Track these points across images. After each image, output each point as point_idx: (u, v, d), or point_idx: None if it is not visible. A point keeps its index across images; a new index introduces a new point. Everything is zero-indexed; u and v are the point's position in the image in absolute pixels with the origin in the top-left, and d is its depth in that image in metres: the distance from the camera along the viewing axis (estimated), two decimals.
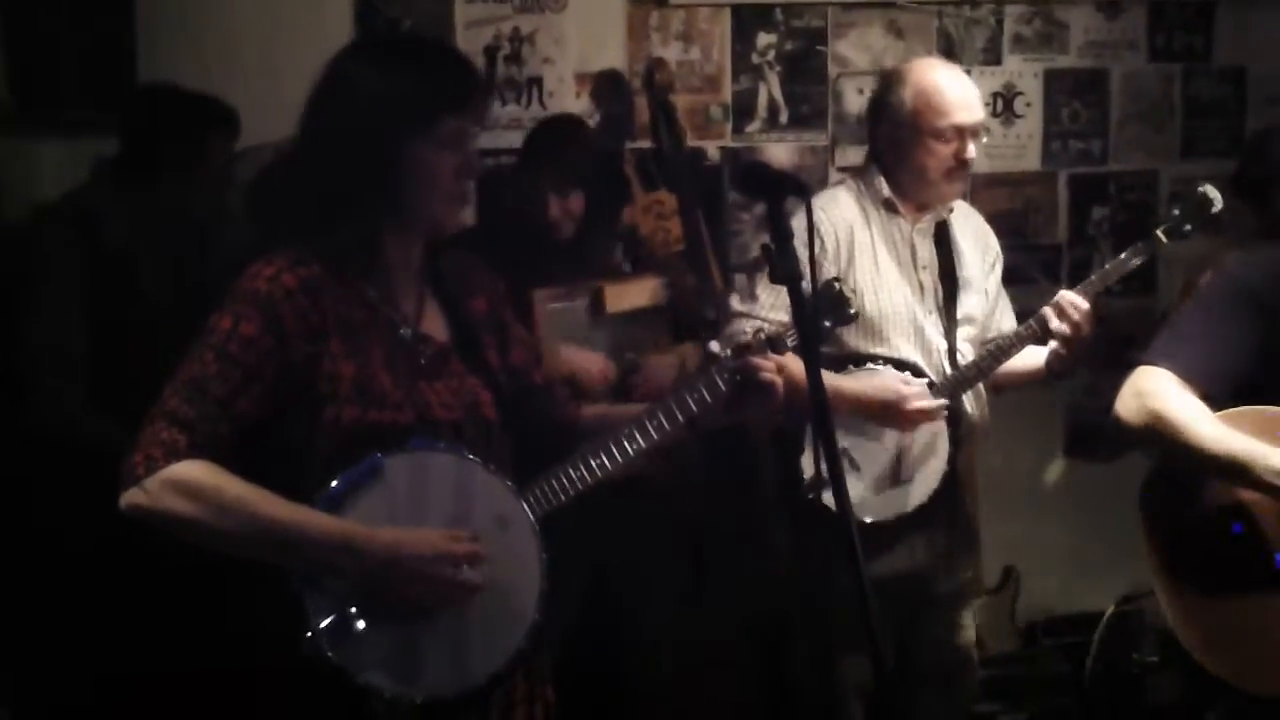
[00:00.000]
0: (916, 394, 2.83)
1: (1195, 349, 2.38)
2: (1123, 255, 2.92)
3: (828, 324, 2.14)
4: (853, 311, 2.15)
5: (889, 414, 2.83)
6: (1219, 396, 2.36)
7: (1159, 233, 2.91)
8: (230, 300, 1.91)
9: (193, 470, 1.85)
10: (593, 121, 3.66)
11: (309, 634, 1.85)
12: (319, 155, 1.94)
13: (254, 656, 1.97)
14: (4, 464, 2.95)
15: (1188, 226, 2.92)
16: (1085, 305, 2.85)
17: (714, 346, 2.11)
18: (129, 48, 3.34)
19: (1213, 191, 2.91)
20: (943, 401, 2.87)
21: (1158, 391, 2.36)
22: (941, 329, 2.95)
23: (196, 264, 3.10)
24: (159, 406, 1.88)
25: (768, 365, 2.06)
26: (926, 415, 2.84)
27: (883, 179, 2.93)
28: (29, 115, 3.28)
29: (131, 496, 1.86)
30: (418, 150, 1.91)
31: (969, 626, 3.10)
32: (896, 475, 2.90)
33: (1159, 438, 2.35)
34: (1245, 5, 4.03)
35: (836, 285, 2.15)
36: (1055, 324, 2.84)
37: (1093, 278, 2.92)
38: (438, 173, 1.93)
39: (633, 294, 3.19)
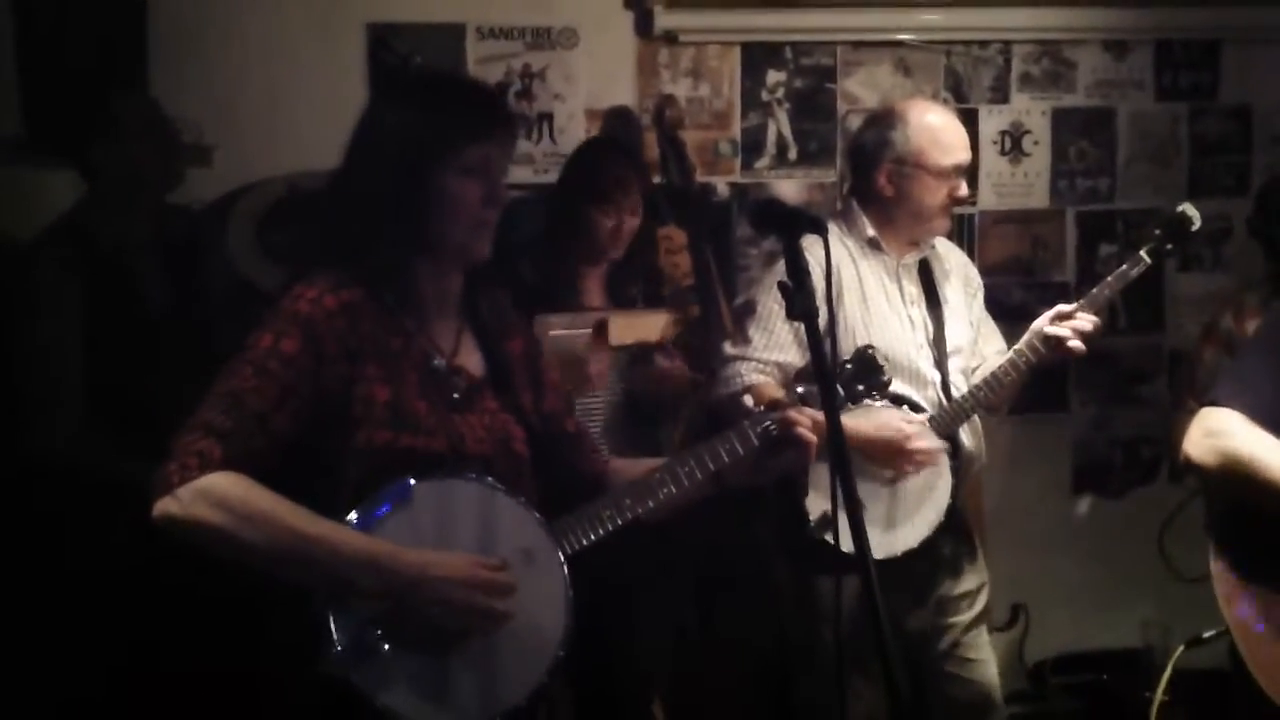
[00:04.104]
0: (919, 433, 2.83)
1: (1259, 389, 2.38)
2: (1109, 278, 2.94)
3: (860, 388, 2.16)
4: (886, 379, 2.17)
5: (891, 454, 2.83)
6: None
7: (1143, 253, 2.93)
8: (271, 319, 1.94)
9: (225, 481, 1.85)
10: None
11: (331, 653, 1.84)
12: (352, 187, 1.98)
13: (275, 675, 1.96)
14: (16, 489, 2.95)
15: (1170, 245, 2.94)
16: (1074, 307, 2.87)
17: (747, 400, 2.14)
18: (141, 79, 3.36)
19: (1191, 210, 2.95)
20: (944, 444, 2.87)
21: (1228, 430, 2.37)
22: (933, 361, 2.96)
23: (179, 241, 3.12)
24: (195, 417, 1.90)
25: (803, 420, 2.07)
26: (928, 456, 2.84)
27: (866, 219, 2.95)
28: (42, 144, 3.29)
29: (164, 505, 1.86)
30: (443, 179, 1.94)
31: (988, 660, 3.08)
32: (900, 511, 2.89)
33: (1237, 477, 2.36)
34: (1251, 44, 4.05)
35: (870, 351, 2.17)
36: (1051, 328, 2.84)
37: (1081, 302, 2.92)
38: (464, 201, 1.95)
39: (639, 328, 3.18)
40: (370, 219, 1.95)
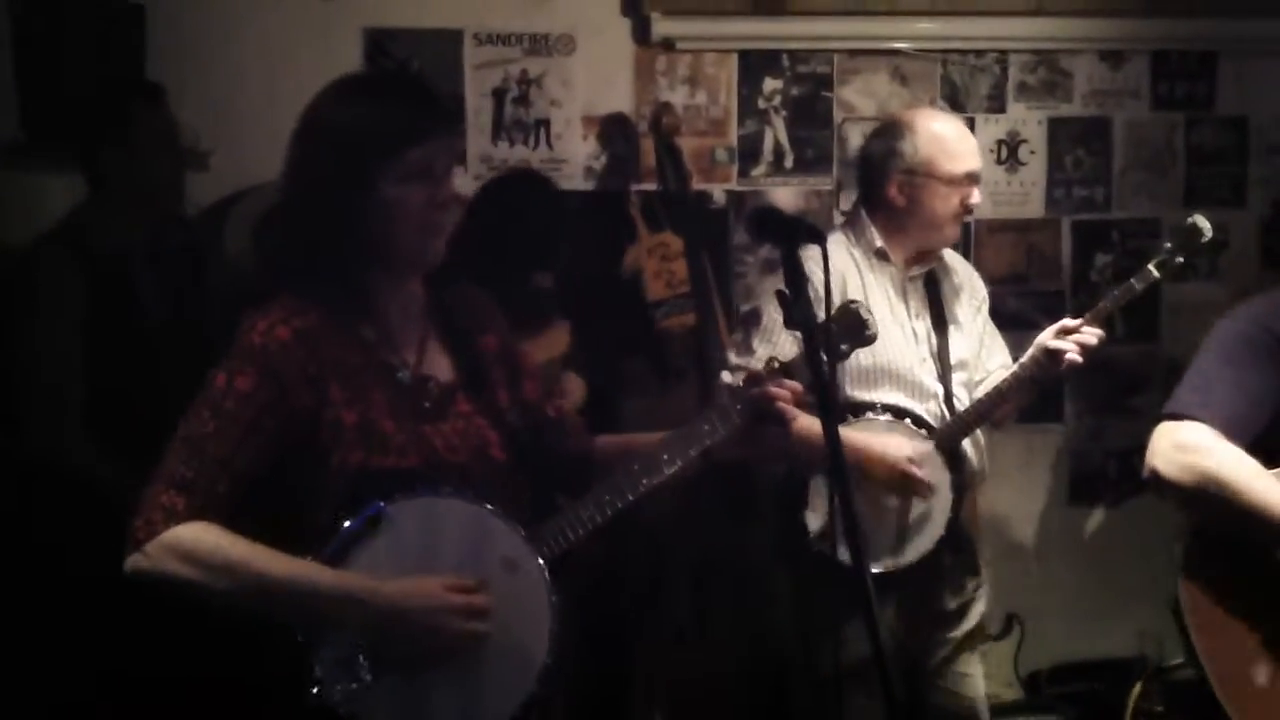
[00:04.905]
0: (922, 461, 2.82)
1: (1226, 400, 2.27)
2: (1115, 291, 2.92)
3: (845, 346, 2.08)
4: (870, 333, 2.10)
5: (889, 476, 2.82)
6: (1245, 449, 2.27)
7: (1151, 266, 2.88)
8: (227, 356, 1.91)
9: (192, 533, 1.84)
10: (599, 163, 3.68)
11: (315, 683, 1.83)
12: (295, 200, 1.94)
13: (261, 704, 1.94)
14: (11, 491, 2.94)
15: (1180, 258, 2.89)
16: (1079, 323, 2.84)
17: (725, 377, 2.09)
18: (138, 84, 3.35)
19: (1203, 221, 2.87)
20: (943, 478, 2.86)
21: (1204, 446, 2.25)
22: (937, 375, 2.95)
23: (176, 252, 3.12)
24: (159, 468, 1.88)
25: (782, 393, 2.03)
26: (923, 488, 2.83)
27: (874, 229, 2.94)
28: (40, 149, 3.28)
29: (134, 561, 1.86)
30: (383, 186, 1.90)
31: (977, 675, 3.08)
32: (901, 525, 2.89)
33: (1214, 498, 2.24)
34: (1248, 56, 4.06)
35: (854, 306, 2.11)
36: (1054, 342, 2.82)
37: (1087, 315, 2.91)
38: (407, 207, 1.91)
39: (546, 346, 3.19)
40: (315, 232, 1.91)
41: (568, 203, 3.45)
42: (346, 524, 1.88)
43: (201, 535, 1.84)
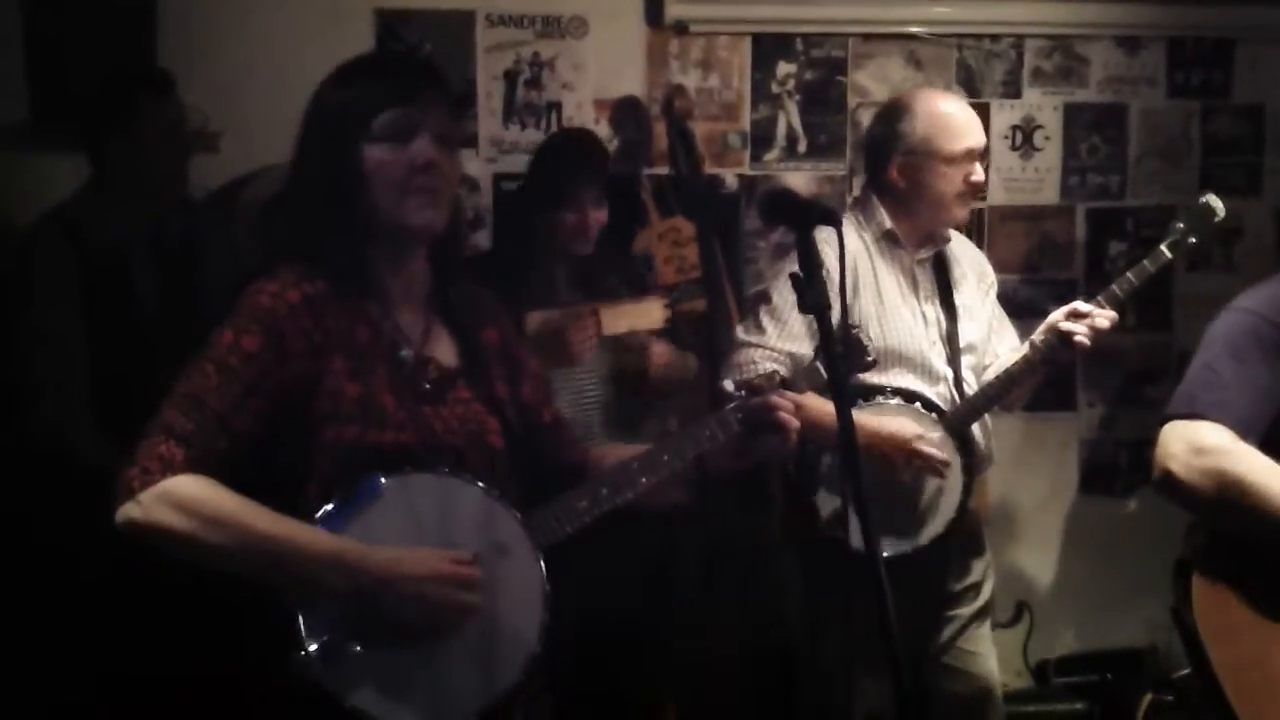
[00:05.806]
0: (932, 440, 2.81)
1: (1238, 399, 2.17)
2: (1129, 273, 2.90)
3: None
4: (870, 359, 2.14)
5: (896, 453, 2.81)
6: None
7: (1164, 247, 2.86)
8: (233, 315, 1.90)
9: (188, 484, 1.82)
10: (611, 147, 3.66)
11: (300, 653, 1.81)
12: (294, 177, 1.96)
13: (246, 675, 1.93)
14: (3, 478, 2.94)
15: (1192, 239, 2.86)
16: (1091, 307, 2.82)
17: (727, 385, 2.09)
18: (147, 74, 3.34)
19: (1215, 201, 2.85)
20: (952, 457, 2.85)
21: (1225, 448, 2.14)
22: (946, 358, 2.95)
23: (175, 240, 3.11)
24: (157, 420, 1.86)
25: (784, 404, 2.03)
26: (934, 466, 2.82)
27: (884, 211, 2.94)
28: (48, 131, 3.28)
29: (126, 510, 1.83)
30: (365, 150, 1.90)
31: (988, 655, 3.07)
32: (914, 508, 2.88)
33: (1236, 502, 2.13)
34: (1265, 44, 4.03)
35: (853, 331, 2.14)
36: (1065, 324, 2.79)
37: (1099, 298, 2.89)
38: (388, 169, 1.90)
39: (631, 317, 3.17)
40: (314, 209, 1.92)
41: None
42: (340, 495, 1.86)
43: (198, 487, 1.82)
